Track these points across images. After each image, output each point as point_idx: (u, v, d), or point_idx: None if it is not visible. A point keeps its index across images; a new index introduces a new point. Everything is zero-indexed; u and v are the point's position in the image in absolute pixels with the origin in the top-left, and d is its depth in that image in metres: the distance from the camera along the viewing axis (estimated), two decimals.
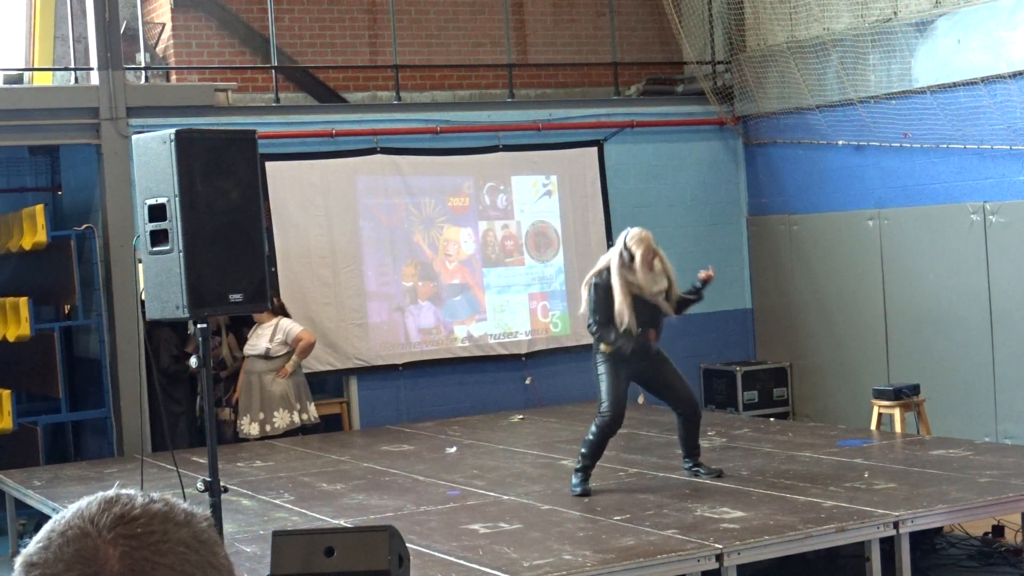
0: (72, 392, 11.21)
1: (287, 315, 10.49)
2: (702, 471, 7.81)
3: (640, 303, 7.52)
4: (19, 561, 1.23)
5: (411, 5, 12.26)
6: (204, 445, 8.85)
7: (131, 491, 1.25)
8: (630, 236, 7.58)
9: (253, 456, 9.60)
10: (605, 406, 7.59)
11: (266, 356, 10.20)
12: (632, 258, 7.50)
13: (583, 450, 7.61)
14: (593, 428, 7.61)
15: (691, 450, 7.89)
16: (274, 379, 10.17)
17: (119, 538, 1.19)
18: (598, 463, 7.65)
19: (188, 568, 1.20)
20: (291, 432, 10.25)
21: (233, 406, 10.42)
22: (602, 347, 7.63)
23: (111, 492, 1.25)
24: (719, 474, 7.78)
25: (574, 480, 7.56)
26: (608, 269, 7.57)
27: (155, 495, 1.26)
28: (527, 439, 9.90)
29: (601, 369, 7.68)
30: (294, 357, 10.27)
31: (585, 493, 7.44)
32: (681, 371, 7.96)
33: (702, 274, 8.04)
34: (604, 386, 7.64)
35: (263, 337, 10.25)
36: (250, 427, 10.18)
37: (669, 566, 6.00)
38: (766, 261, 12.65)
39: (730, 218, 12.80)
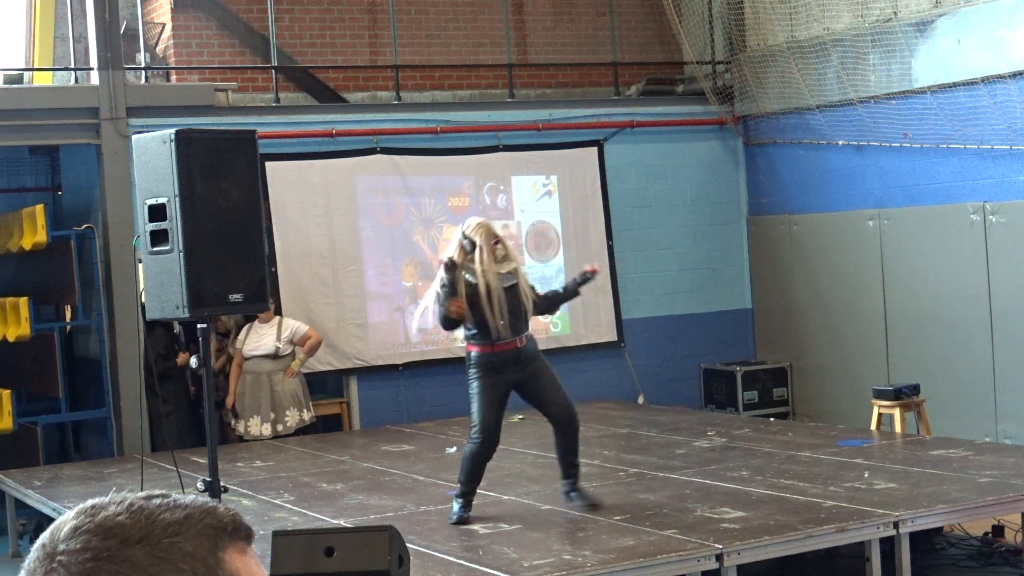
0: (72, 392, 11.21)
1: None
2: (577, 497, 7.13)
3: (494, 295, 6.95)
4: None
5: (411, 5, 12.25)
6: (201, 444, 8.88)
7: (119, 497, 1.23)
8: (469, 227, 7.00)
9: (253, 456, 9.59)
10: (475, 430, 6.98)
11: (275, 355, 10.19)
12: (474, 246, 6.95)
13: (461, 476, 7.04)
14: (466, 452, 7.08)
15: (568, 470, 7.20)
16: (283, 378, 10.17)
17: (63, 553, 1.19)
18: (479, 486, 7.13)
19: None
20: (298, 431, 10.26)
21: (230, 409, 10.37)
22: (473, 356, 7.05)
23: (91, 501, 1.24)
24: (596, 505, 7.07)
25: (454, 507, 7.00)
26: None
27: (156, 500, 1.23)
28: (527, 439, 9.89)
29: (473, 387, 7.03)
30: (301, 355, 10.28)
31: (462, 521, 6.89)
32: (560, 382, 7.27)
33: (587, 267, 7.62)
34: (475, 406, 7.00)
35: (269, 336, 10.23)
36: (261, 428, 10.15)
37: (669, 566, 6.00)
38: (766, 261, 12.65)
39: (730, 218, 12.80)
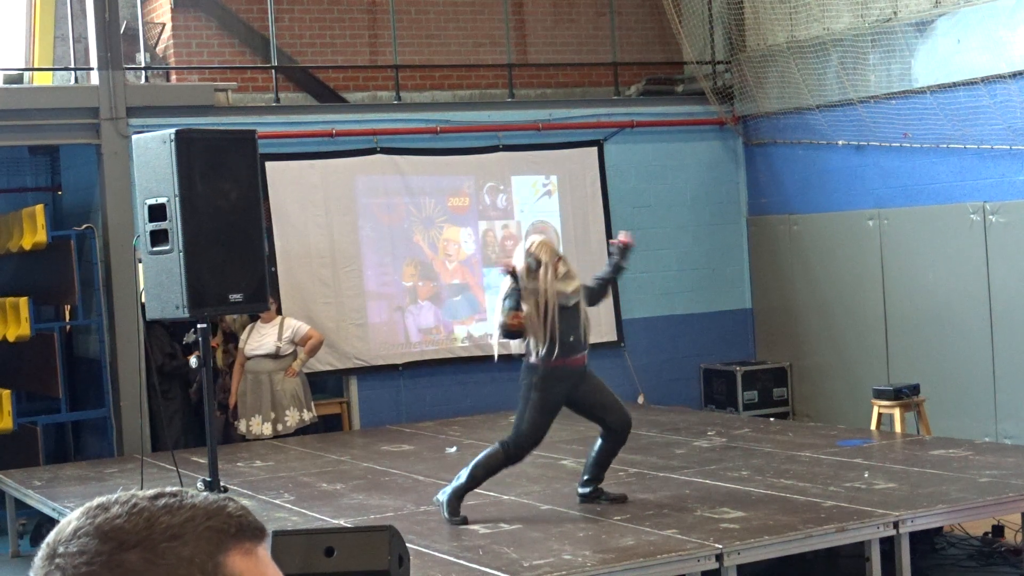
0: (72, 392, 11.21)
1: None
2: (603, 497, 7.22)
3: (569, 311, 7.03)
4: None
5: (411, 5, 12.26)
6: (201, 444, 8.89)
7: (124, 495, 1.23)
8: (533, 244, 7.11)
9: (253, 456, 9.60)
10: (524, 439, 7.00)
11: (276, 355, 10.18)
12: (539, 265, 7.00)
13: (475, 473, 6.99)
14: (500, 456, 7.04)
15: (599, 474, 7.28)
16: (284, 378, 10.17)
17: (61, 556, 1.20)
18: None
19: None
20: (299, 431, 10.26)
21: (232, 410, 10.36)
22: (539, 370, 7.02)
23: (99, 500, 1.24)
24: (623, 499, 7.21)
25: (448, 512, 6.93)
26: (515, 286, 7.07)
27: (158, 501, 1.23)
28: None
29: (533, 397, 7.02)
30: (303, 355, 10.27)
31: (464, 521, 6.89)
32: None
33: (618, 240, 7.50)
34: (528, 415, 7.00)
35: (270, 336, 10.23)
36: (261, 427, 10.15)
37: (669, 566, 6.00)
38: (766, 261, 12.65)
39: (730, 218, 12.80)
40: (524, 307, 6.97)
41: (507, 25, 12.44)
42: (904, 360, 11.05)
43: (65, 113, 10.54)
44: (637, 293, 12.34)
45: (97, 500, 1.24)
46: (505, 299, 7.08)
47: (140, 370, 10.16)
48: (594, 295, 7.47)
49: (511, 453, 7.07)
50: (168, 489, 1.26)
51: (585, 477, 7.32)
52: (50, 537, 1.23)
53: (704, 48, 12.86)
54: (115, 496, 1.24)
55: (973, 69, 10.09)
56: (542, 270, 7.00)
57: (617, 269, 7.59)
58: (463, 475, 7.05)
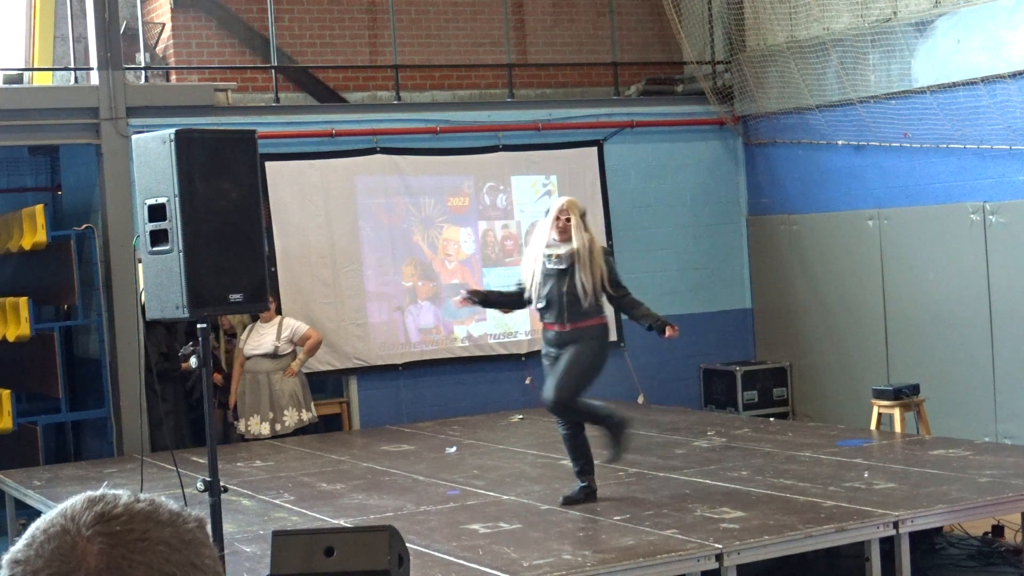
0: (72, 392, 11.21)
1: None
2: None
3: (553, 274, 7.06)
4: (5, 558, 1.24)
5: (411, 5, 12.26)
6: (199, 444, 8.89)
7: (118, 491, 1.26)
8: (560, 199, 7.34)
9: (253, 456, 9.60)
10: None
11: (274, 355, 10.18)
12: (546, 215, 7.22)
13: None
14: None
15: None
16: (282, 378, 10.17)
17: (97, 535, 1.20)
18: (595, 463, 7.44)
19: (168, 567, 1.20)
20: (298, 431, 10.26)
21: (232, 409, 10.37)
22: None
23: (97, 491, 1.25)
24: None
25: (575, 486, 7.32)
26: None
27: (143, 495, 1.26)
28: (527, 439, 9.90)
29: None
30: (301, 355, 10.27)
31: (582, 493, 7.23)
32: (579, 370, 7.09)
33: (668, 332, 7.27)
34: None
35: (269, 336, 10.23)
36: (260, 427, 10.16)
37: (669, 566, 6.00)
38: (766, 261, 12.65)
39: (730, 218, 12.80)
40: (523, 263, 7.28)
41: (507, 25, 12.44)
42: (904, 360, 11.05)
43: (65, 113, 10.54)
44: (637, 293, 12.27)
45: (92, 494, 1.26)
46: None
47: (140, 370, 10.17)
48: (616, 302, 7.43)
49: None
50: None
51: None
52: (58, 521, 1.23)
53: (704, 48, 12.86)
54: (105, 491, 1.26)
55: (973, 69, 10.09)
56: (544, 221, 7.20)
57: (641, 318, 7.42)
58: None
